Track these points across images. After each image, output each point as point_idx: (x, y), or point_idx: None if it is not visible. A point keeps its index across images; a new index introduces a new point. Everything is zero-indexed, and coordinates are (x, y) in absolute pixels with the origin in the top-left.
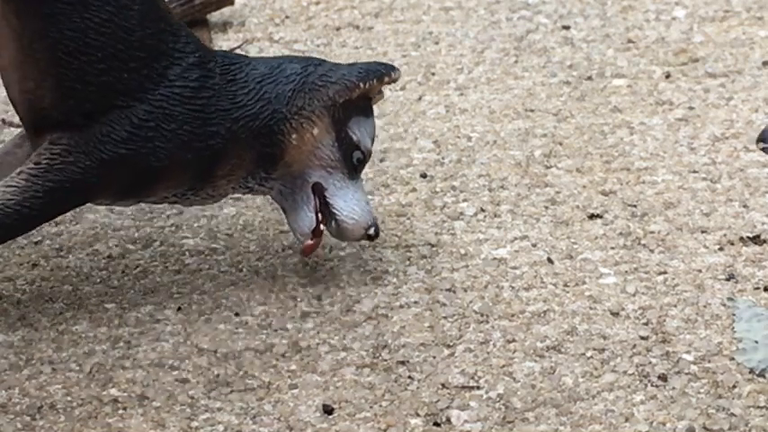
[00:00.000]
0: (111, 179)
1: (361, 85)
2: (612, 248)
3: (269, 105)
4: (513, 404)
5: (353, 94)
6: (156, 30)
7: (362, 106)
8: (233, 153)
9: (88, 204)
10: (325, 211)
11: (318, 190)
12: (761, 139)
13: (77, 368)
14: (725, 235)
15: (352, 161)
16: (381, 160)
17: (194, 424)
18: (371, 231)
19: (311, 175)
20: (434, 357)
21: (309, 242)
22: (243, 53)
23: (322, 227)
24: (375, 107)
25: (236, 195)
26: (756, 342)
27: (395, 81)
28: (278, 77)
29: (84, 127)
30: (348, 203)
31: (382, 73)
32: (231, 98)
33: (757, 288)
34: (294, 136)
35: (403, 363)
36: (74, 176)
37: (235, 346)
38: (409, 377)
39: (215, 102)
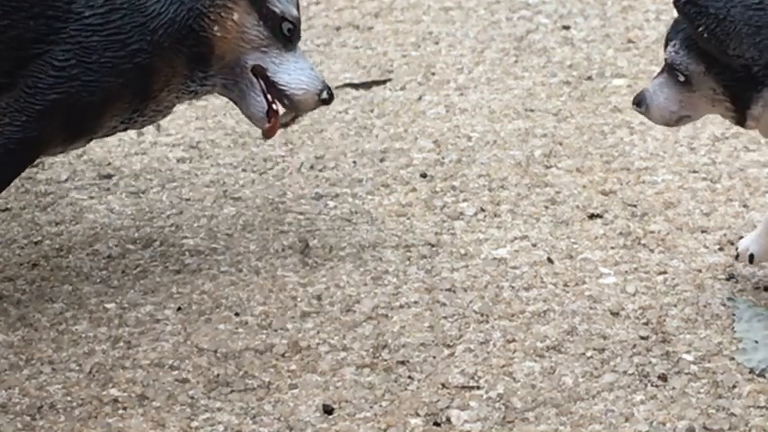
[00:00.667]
0: (54, 127)
1: None
2: (612, 248)
3: (182, 6)
4: (513, 404)
5: None
6: None
7: None
8: (162, 63)
9: (88, 204)
10: (273, 90)
11: (260, 71)
12: (635, 102)
13: (77, 368)
14: (725, 235)
15: (283, 33)
16: (381, 160)
17: (194, 424)
18: (324, 95)
19: (247, 59)
20: (434, 357)
21: (267, 125)
22: None
23: (274, 106)
24: (375, 107)
25: (229, 199)
26: (756, 342)
27: None
28: None
29: (10, 86)
30: (292, 75)
31: None
32: (143, 11)
33: (757, 288)
34: (216, 28)
35: (403, 363)
36: (14, 136)
37: (235, 346)
38: (409, 377)
39: (128, 20)
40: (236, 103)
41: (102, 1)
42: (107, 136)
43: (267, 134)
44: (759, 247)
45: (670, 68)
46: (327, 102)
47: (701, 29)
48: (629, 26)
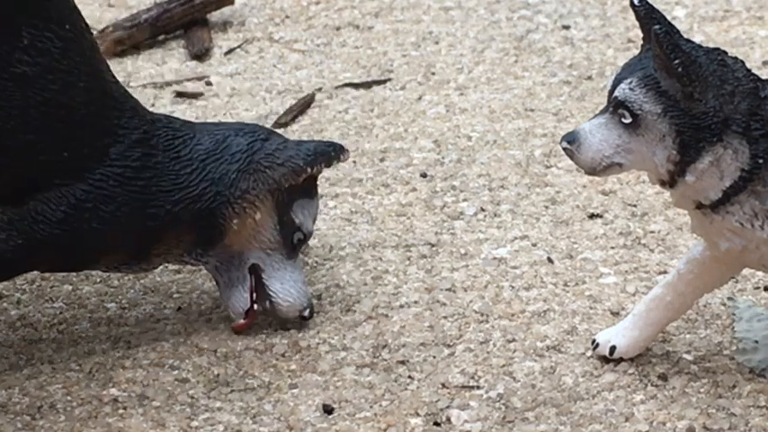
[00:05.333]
0: (44, 258)
1: (309, 169)
2: (612, 248)
3: (212, 187)
4: (513, 404)
5: (300, 179)
6: (101, 107)
7: (307, 188)
8: (171, 234)
9: None
10: (261, 291)
11: (255, 270)
12: (567, 139)
13: (77, 368)
14: None
15: (293, 242)
16: (381, 160)
17: (194, 424)
18: (306, 313)
19: (249, 256)
20: (434, 357)
21: (242, 321)
22: (243, 53)
23: (256, 306)
24: (375, 107)
25: None
26: (756, 342)
27: (344, 161)
28: (223, 155)
29: (20, 203)
30: (284, 285)
31: (331, 156)
32: (173, 178)
33: (757, 288)
34: (236, 221)
35: (403, 362)
36: (4, 255)
37: (235, 346)
38: (409, 377)
39: (156, 182)
40: (218, 286)
41: (138, 155)
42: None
43: (237, 330)
44: (625, 341)
45: (616, 108)
46: (306, 320)
47: (676, 63)
48: (629, 26)
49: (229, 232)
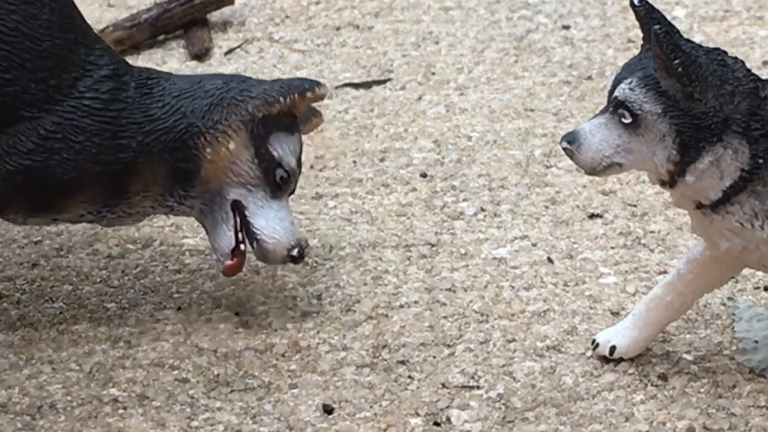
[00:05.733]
0: (18, 192)
1: (282, 99)
2: (612, 248)
3: (183, 119)
4: (513, 404)
5: (273, 109)
6: (67, 41)
7: (286, 123)
8: (145, 167)
9: None
10: (246, 230)
11: (238, 208)
12: (567, 139)
13: (77, 368)
14: None
15: (275, 179)
16: (381, 160)
17: (194, 424)
18: (294, 252)
19: (230, 192)
20: (434, 357)
21: (230, 262)
22: (243, 53)
23: (242, 246)
24: (375, 107)
25: None
26: (756, 342)
27: (321, 97)
28: (196, 92)
29: None
30: (269, 223)
31: (305, 88)
32: (144, 111)
33: (757, 288)
34: (209, 150)
35: (403, 362)
36: None
37: (235, 346)
38: (409, 377)
39: (126, 114)
40: (206, 232)
41: (108, 88)
42: (72, 222)
43: (226, 272)
44: (625, 341)
45: (616, 108)
46: (296, 261)
47: (676, 63)
48: (629, 26)
49: (204, 163)
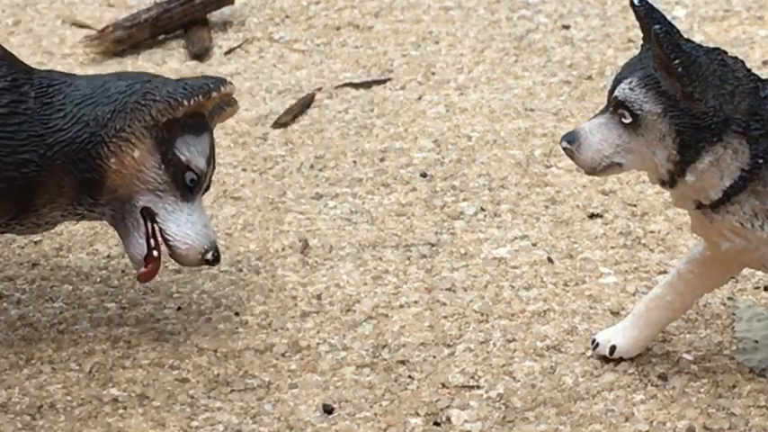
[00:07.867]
0: None
1: (186, 102)
2: (612, 248)
3: (86, 128)
4: (513, 404)
5: (177, 113)
6: None
7: (192, 124)
8: (50, 180)
9: None
10: (159, 236)
11: (149, 214)
12: (567, 139)
13: (77, 368)
14: None
15: (185, 182)
16: (381, 160)
17: (194, 423)
18: (209, 256)
19: (139, 199)
20: (434, 357)
21: (143, 269)
22: (243, 53)
23: (155, 253)
24: (375, 107)
25: (229, 198)
26: (756, 342)
27: (229, 95)
28: (99, 98)
29: None
30: (181, 228)
31: (209, 88)
32: (45, 123)
33: (757, 288)
34: (113, 160)
35: (403, 362)
36: None
37: (235, 346)
38: (409, 377)
39: (27, 128)
40: (121, 238)
41: (6, 101)
42: None
43: (140, 278)
44: (625, 340)
45: (616, 108)
46: (211, 263)
47: (676, 63)
48: (629, 26)
49: (109, 173)
